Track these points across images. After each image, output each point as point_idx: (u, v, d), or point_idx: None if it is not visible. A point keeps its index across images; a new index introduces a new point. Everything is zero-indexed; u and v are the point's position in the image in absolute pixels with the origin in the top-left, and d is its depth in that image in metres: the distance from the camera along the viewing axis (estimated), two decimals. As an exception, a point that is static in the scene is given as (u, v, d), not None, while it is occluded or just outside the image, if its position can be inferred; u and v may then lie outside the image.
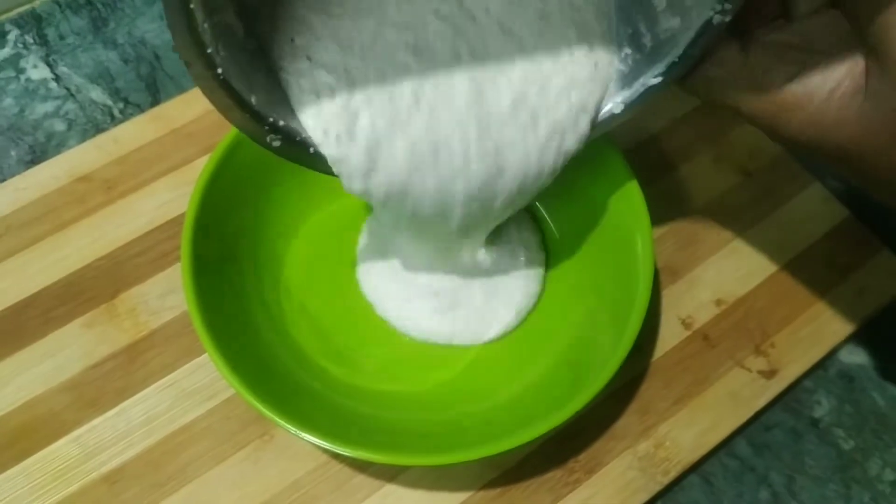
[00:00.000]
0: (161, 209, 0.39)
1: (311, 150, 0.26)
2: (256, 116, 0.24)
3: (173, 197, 0.40)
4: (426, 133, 0.26)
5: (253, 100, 0.24)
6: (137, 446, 0.34)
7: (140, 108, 0.44)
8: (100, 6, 0.47)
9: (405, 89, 0.26)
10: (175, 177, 0.40)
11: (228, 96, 0.23)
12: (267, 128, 0.25)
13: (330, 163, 0.26)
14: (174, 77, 0.45)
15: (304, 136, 0.26)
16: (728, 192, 0.41)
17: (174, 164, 0.41)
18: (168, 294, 0.37)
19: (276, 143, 0.25)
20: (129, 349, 0.36)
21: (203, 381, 0.35)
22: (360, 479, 0.34)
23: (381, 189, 0.27)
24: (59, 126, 0.43)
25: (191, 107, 0.42)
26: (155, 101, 0.44)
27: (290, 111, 0.26)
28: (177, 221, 0.39)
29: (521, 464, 0.34)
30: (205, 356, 0.35)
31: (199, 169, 0.34)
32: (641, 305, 0.32)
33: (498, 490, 0.34)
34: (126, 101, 0.44)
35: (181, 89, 0.44)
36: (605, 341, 0.33)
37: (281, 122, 0.25)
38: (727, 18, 0.23)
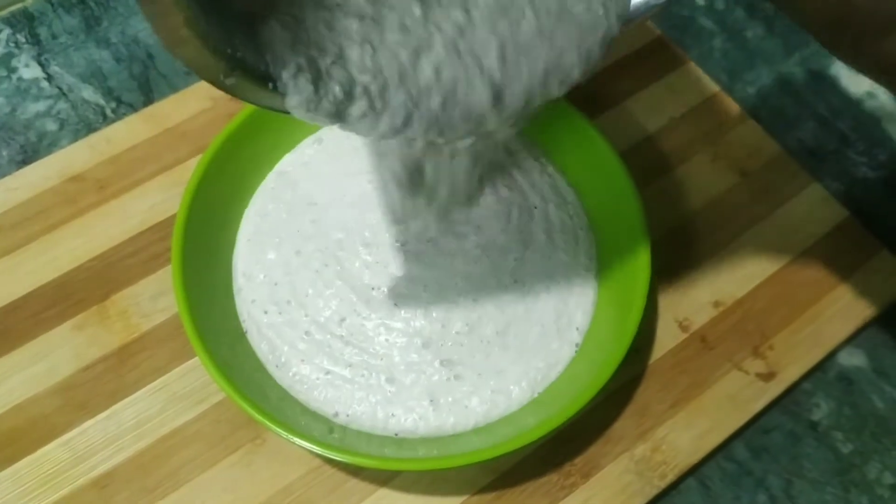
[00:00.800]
0: (153, 210, 0.39)
1: (271, 85, 0.22)
2: (214, 50, 0.21)
3: (165, 197, 0.39)
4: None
5: (209, 29, 0.20)
6: (128, 450, 0.34)
7: (133, 108, 0.43)
8: (92, 5, 0.47)
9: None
10: (167, 177, 0.40)
11: (186, 23, 0.19)
12: (224, 63, 0.21)
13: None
14: (167, 76, 0.45)
15: (263, 69, 0.22)
16: (726, 192, 0.41)
17: (166, 164, 0.40)
18: (159, 296, 0.37)
19: (230, 82, 0.22)
20: (120, 352, 0.36)
21: (194, 384, 0.35)
22: (353, 484, 0.33)
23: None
24: (51, 126, 0.43)
25: (184, 106, 0.42)
26: (148, 101, 0.44)
27: (246, 38, 0.22)
28: (169, 222, 0.38)
29: (517, 467, 0.34)
30: (196, 359, 0.35)
31: (191, 169, 0.34)
32: (638, 307, 0.31)
33: (493, 494, 0.33)
34: (118, 101, 0.44)
35: (174, 89, 0.43)
36: (602, 344, 0.33)
37: (238, 54, 0.21)
38: None
